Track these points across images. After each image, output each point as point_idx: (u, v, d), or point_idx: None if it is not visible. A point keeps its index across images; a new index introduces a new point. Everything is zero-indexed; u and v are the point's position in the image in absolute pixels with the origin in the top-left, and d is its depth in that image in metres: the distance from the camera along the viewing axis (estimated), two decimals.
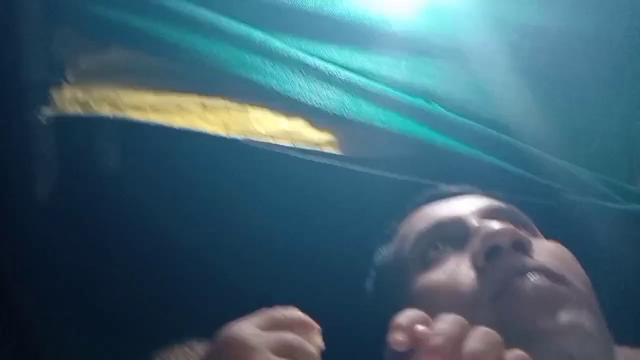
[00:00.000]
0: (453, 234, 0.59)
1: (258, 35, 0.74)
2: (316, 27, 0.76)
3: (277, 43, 0.75)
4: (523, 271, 0.52)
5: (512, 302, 0.51)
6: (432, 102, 0.80)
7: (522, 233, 0.56)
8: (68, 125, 0.69)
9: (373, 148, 0.79)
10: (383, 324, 0.47)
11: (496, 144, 0.80)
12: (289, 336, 0.42)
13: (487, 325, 0.50)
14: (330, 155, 0.78)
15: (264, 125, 0.75)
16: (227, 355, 0.40)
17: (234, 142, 0.73)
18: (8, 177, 0.67)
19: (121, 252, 0.70)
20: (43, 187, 0.69)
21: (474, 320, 0.51)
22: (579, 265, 0.58)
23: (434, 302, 0.55)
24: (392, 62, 0.79)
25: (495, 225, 0.56)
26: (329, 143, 0.79)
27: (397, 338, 0.42)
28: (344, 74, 0.76)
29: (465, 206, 0.62)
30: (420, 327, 0.43)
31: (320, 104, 0.75)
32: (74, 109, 0.69)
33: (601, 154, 0.88)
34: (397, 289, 0.61)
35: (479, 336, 0.42)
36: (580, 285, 0.54)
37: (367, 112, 0.77)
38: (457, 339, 0.42)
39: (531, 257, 0.54)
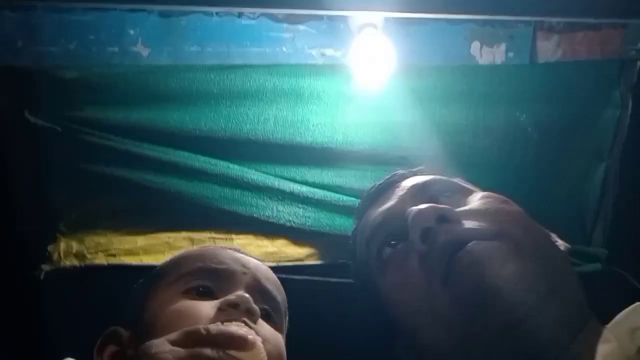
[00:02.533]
0: (396, 230, 0.61)
1: (235, 170, 0.82)
2: (288, 154, 0.84)
3: (253, 174, 0.82)
4: (457, 243, 0.54)
5: (458, 278, 0.53)
6: None
7: (444, 206, 0.58)
8: (65, 277, 0.73)
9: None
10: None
11: None
12: (207, 351, 0.42)
13: (448, 306, 0.54)
14: (311, 266, 0.84)
15: (249, 250, 0.81)
16: None
17: None
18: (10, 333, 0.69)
19: None
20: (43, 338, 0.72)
21: (435, 305, 0.55)
22: (512, 208, 0.60)
23: (400, 301, 0.59)
24: (359, 174, 0.87)
25: (417, 208, 0.57)
26: (311, 256, 0.85)
27: None
28: (317, 194, 0.84)
29: (394, 198, 0.64)
30: None
31: (298, 223, 0.83)
32: (69, 261, 0.74)
33: (558, 219, 0.96)
34: (374, 294, 0.64)
35: None
36: (516, 231, 0.56)
37: (341, 224, 0.84)
38: None
39: (460, 224, 0.56)
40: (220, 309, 0.55)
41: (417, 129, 0.90)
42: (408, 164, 0.90)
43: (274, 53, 0.84)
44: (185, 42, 0.79)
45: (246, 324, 0.53)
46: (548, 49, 1.04)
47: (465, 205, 0.61)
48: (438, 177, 0.66)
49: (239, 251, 0.66)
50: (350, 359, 0.72)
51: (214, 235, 0.80)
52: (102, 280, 0.74)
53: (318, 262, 0.85)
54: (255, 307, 0.56)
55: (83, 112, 0.76)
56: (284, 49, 0.85)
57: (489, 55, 1.03)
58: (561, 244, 0.63)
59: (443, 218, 0.57)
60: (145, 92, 0.77)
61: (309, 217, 0.83)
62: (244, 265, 0.61)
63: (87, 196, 0.79)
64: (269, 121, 0.83)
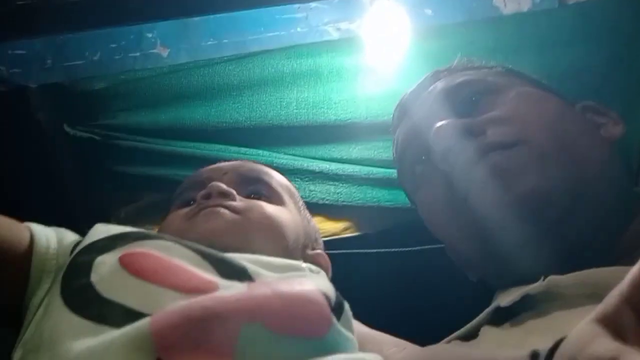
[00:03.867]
0: (423, 145, 0.61)
1: (265, 155, 0.84)
2: (314, 134, 0.86)
3: (282, 158, 0.85)
4: (477, 157, 0.54)
5: (479, 192, 0.54)
6: None
7: (463, 120, 0.56)
8: None
9: (387, 220, 0.87)
10: None
11: None
12: None
13: (474, 221, 0.55)
14: (348, 239, 0.86)
15: None
16: None
17: None
18: None
19: None
20: None
21: (461, 220, 0.57)
22: (542, 108, 0.58)
23: (431, 218, 0.63)
24: (387, 145, 0.87)
25: (437, 127, 0.57)
26: (347, 229, 0.87)
27: None
28: (346, 169, 0.86)
29: (421, 111, 0.64)
30: None
31: (332, 200, 0.85)
32: None
33: None
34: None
35: None
36: (540, 135, 0.54)
37: (373, 195, 0.86)
38: None
39: (482, 136, 0.55)
40: (196, 205, 0.57)
41: None
42: None
43: (289, 35, 0.84)
44: (201, 38, 0.80)
45: (216, 205, 0.55)
46: None
47: (496, 107, 0.59)
48: (468, 78, 0.64)
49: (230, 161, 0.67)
50: (394, 329, 0.75)
51: None
52: None
53: (355, 234, 0.87)
54: (227, 188, 0.57)
55: (115, 119, 0.81)
56: (298, 29, 0.85)
57: (514, 3, 0.98)
58: (612, 133, 0.61)
59: (464, 133, 0.56)
60: (170, 93, 0.81)
61: (341, 193, 0.85)
62: (222, 169, 0.63)
63: (131, 195, 0.84)
64: (292, 104, 0.84)
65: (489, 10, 0.95)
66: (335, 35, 0.89)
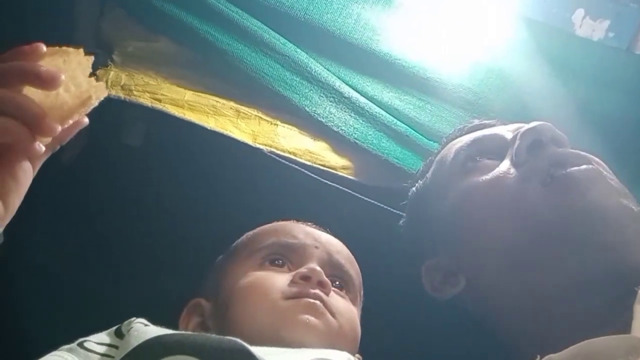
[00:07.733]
0: (490, 148, 0.63)
1: (302, 57, 0.78)
2: (357, 59, 0.80)
3: (317, 67, 0.78)
4: (566, 160, 0.57)
5: (562, 186, 0.55)
6: None
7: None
8: (107, 105, 0.71)
9: (385, 178, 0.83)
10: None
11: None
12: None
13: (537, 207, 0.56)
14: (343, 178, 0.82)
15: (289, 141, 0.79)
16: None
17: (258, 151, 0.76)
18: None
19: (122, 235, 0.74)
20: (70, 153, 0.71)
21: (521, 206, 0.57)
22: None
23: (478, 202, 0.60)
24: (419, 104, 0.83)
25: (535, 122, 0.60)
26: (345, 168, 0.83)
27: None
28: (372, 109, 0.80)
29: (500, 127, 0.67)
30: None
31: (345, 132, 0.79)
32: (115, 91, 0.72)
33: None
34: (435, 205, 0.65)
35: None
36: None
37: (386, 147, 0.81)
38: None
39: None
40: (292, 282, 0.57)
41: (491, 76, 0.85)
42: (472, 109, 0.88)
43: None
44: None
45: (318, 297, 0.56)
46: None
47: None
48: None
49: (311, 225, 0.66)
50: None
51: (260, 114, 0.78)
52: (142, 119, 0.73)
53: (350, 177, 0.83)
54: (327, 279, 0.58)
55: None
56: None
57: (589, 28, 0.97)
58: None
59: (555, 140, 0.59)
60: None
61: (357, 130, 0.80)
62: (315, 239, 0.63)
63: (151, 32, 0.76)
64: (351, 17, 0.78)
65: (564, 23, 0.94)
66: None
